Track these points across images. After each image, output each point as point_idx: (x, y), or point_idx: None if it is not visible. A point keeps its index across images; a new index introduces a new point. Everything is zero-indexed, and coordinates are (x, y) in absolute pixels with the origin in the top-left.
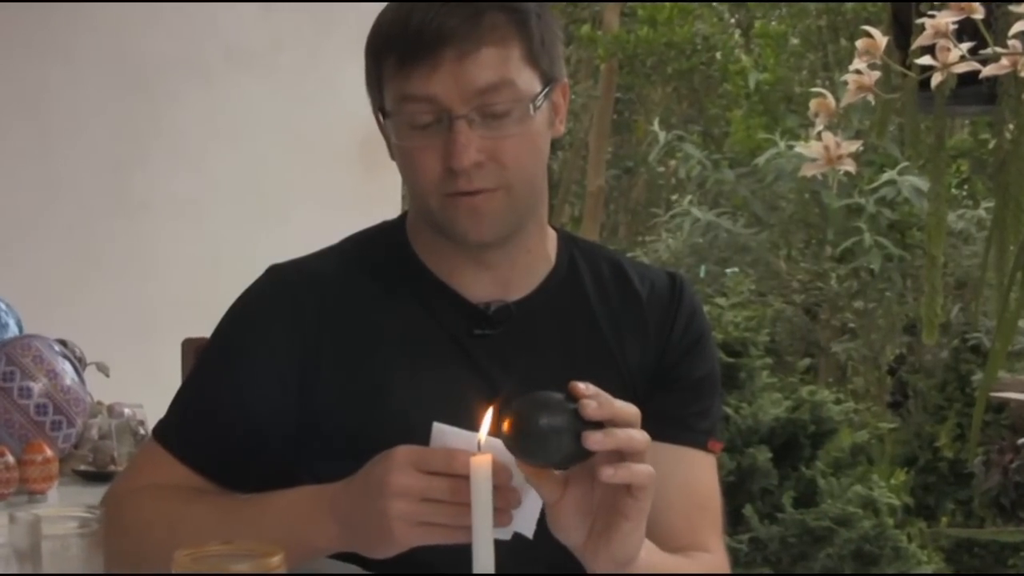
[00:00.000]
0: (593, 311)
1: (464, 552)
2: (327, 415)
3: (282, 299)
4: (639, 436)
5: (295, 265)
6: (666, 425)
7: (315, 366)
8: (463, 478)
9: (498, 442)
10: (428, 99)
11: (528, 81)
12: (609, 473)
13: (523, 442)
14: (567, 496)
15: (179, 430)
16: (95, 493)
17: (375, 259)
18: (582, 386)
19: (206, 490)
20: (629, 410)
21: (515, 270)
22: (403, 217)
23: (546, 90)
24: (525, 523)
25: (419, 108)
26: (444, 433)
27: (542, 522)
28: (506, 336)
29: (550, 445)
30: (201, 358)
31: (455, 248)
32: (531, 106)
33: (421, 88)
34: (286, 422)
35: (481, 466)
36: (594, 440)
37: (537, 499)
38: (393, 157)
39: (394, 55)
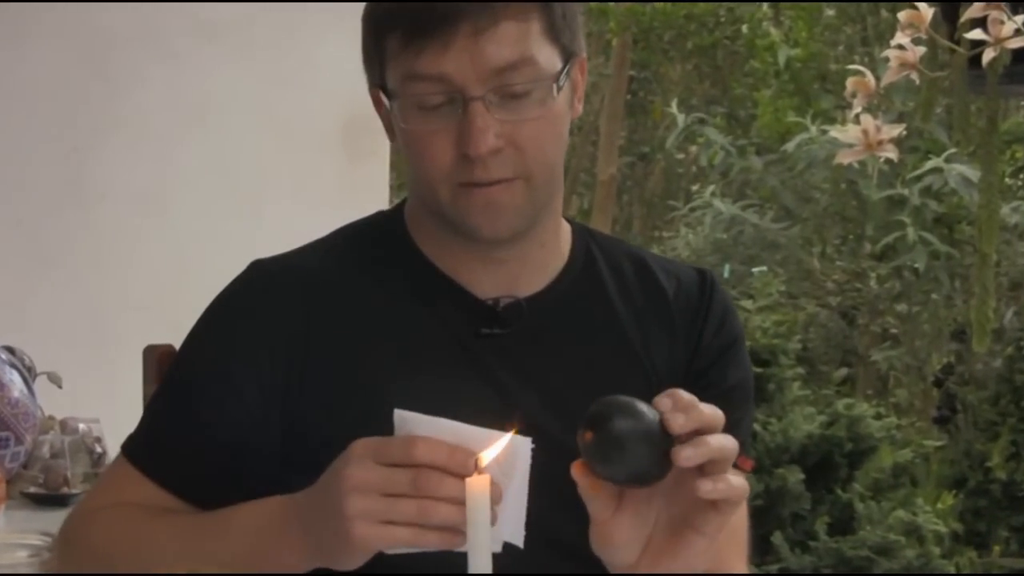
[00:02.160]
0: (614, 309)
1: (456, 564)
2: (315, 427)
3: (265, 298)
4: (730, 444)
5: (280, 261)
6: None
7: (301, 373)
8: (426, 467)
9: (481, 432)
10: (440, 78)
11: (549, 58)
12: (708, 488)
13: (602, 448)
14: (622, 511)
15: (149, 445)
16: (46, 518)
17: (369, 253)
18: (667, 400)
19: (174, 508)
20: (716, 415)
21: (526, 266)
22: (400, 207)
23: (567, 68)
24: (514, 531)
25: (429, 88)
26: (407, 421)
27: (530, 530)
28: (517, 336)
29: (634, 456)
30: (175, 364)
31: (462, 242)
32: (554, 86)
33: (432, 66)
34: (269, 436)
35: (478, 489)
36: (685, 456)
37: (523, 504)
38: (392, 139)
39: (400, 29)
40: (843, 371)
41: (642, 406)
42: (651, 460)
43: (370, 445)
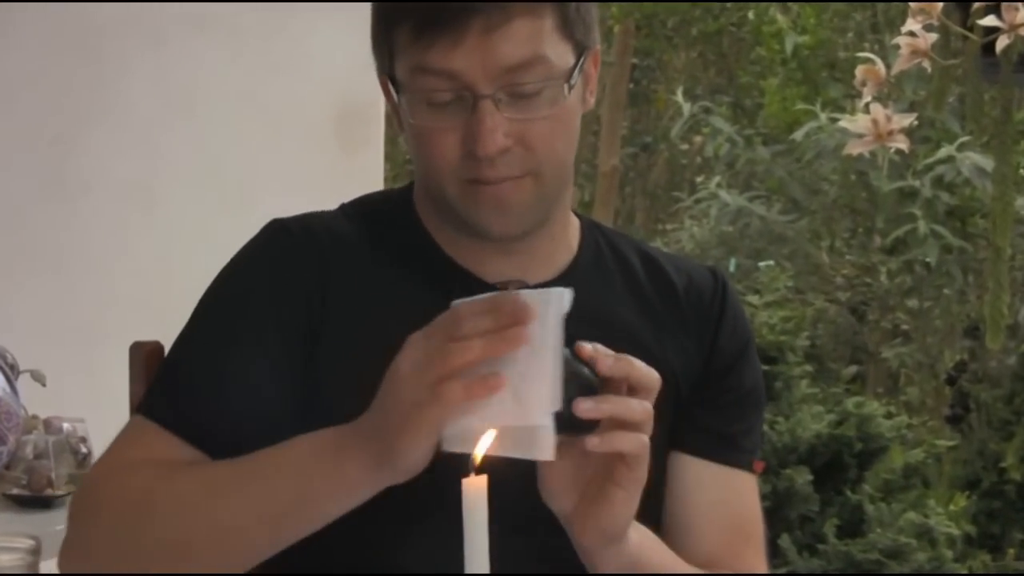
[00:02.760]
0: (624, 302)
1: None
2: (325, 392)
3: (287, 255)
4: (637, 407)
5: (300, 221)
6: (713, 442)
7: (316, 331)
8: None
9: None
10: (449, 74)
11: (561, 55)
12: (594, 443)
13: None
14: (560, 458)
15: (169, 400)
16: (30, 520)
17: (382, 229)
18: (589, 347)
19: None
20: (651, 377)
21: (535, 257)
22: (409, 187)
23: (580, 63)
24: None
25: (437, 83)
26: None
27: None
28: None
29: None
30: (193, 319)
31: (469, 234)
32: (566, 85)
33: (441, 62)
34: (286, 391)
35: (475, 490)
36: (584, 408)
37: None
38: (401, 128)
39: (411, 21)
40: (852, 369)
41: (581, 365)
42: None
43: (419, 333)
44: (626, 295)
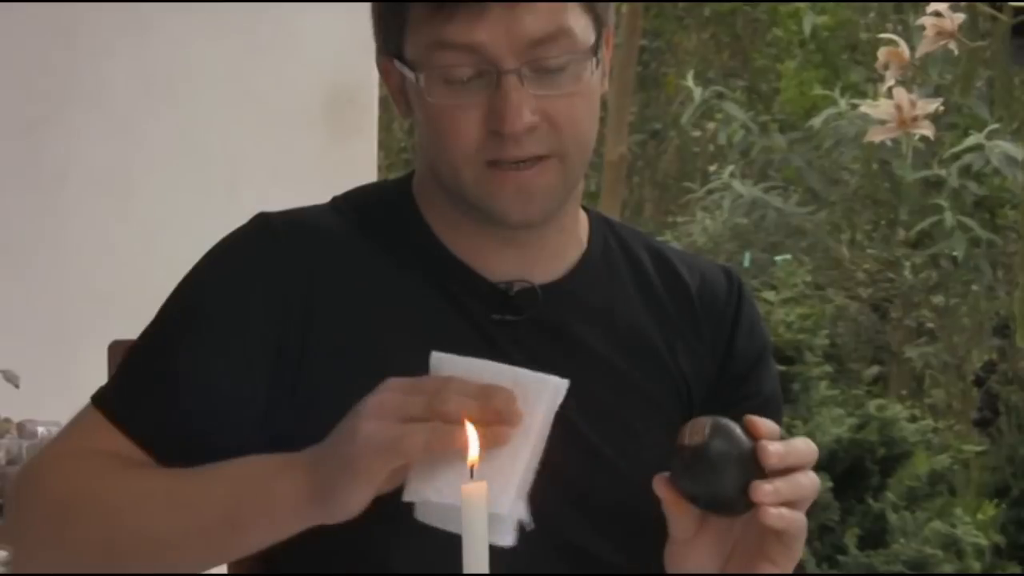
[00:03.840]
0: (633, 301)
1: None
2: (312, 406)
3: (270, 254)
4: (808, 484)
5: (289, 216)
6: None
7: (301, 344)
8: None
9: (511, 372)
10: (471, 48)
11: (584, 30)
12: (774, 516)
13: (695, 466)
14: (701, 535)
15: (123, 394)
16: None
17: (377, 223)
18: (761, 423)
19: (148, 463)
20: (808, 452)
21: (543, 252)
22: (407, 178)
23: (600, 40)
24: (517, 497)
25: (458, 59)
26: (443, 362)
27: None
28: (530, 324)
29: (724, 481)
30: (160, 313)
31: (477, 224)
32: (593, 59)
33: (463, 35)
34: (255, 409)
35: (474, 496)
36: (764, 493)
37: (532, 469)
38: (402, 113)
39: None
40: (874, 369)
41: (740, 432)
42: (737, 489)
43: (402, 380)
44: (637, 295)
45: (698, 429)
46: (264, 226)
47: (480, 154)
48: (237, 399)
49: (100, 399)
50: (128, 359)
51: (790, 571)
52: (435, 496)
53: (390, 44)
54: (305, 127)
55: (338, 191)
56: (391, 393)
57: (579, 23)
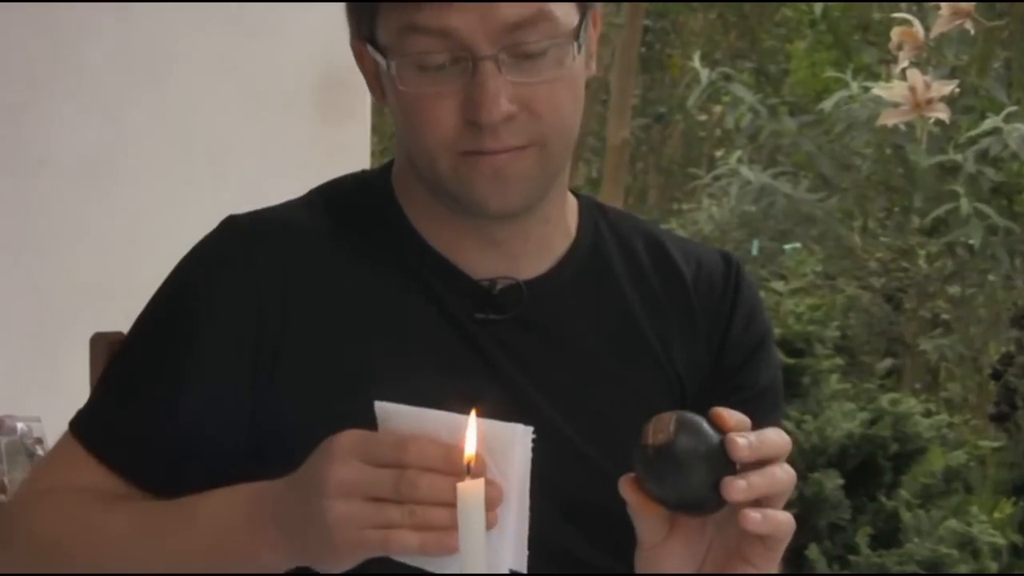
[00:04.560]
0: (625, 295)
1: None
2: (290, 415)
3: (241, 258)
4: (784, 476)
5: (257, 216)
6: None
7: (276, 351)
8: (415, 469)
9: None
10: (444, 34)
11: (567, 12)
12: (756, 521)
13: (660, 467)
14: (672, 538)
15: (101, 423)
16: None
17: (354, 217)
18: (728, 415)
19: (129, 496)
20: (783, 443)
21: (528, 244)
22: (386, 168)
23: (584, 22)
24: (516, 554)
25: (431, 44)
26: (391, 414)
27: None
28: (515, 324)
29: (693, 481)
30: (134, 331)
31: (458, 217)
32: (575, 44)
33: (435, 19)
34: (236, 421)
35: (471, 494)
36: (737, 490)
37: (525, 513)
38: (378, 99)
39: None
40: (888, 362)
41: (707, 427)
42: (707, 487)
43: (355, 442)
44: (630, 287)
45: (662, 426)
46: (232, 229)
47: (456, 144)
48: (221, 416)
49: (77, 426)
50: (103, 380)
51: (772, 572)
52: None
53: (362, 28)
54: (295, 111)
55: (330, 176)
56: (350, 468)
57: (560, 5)
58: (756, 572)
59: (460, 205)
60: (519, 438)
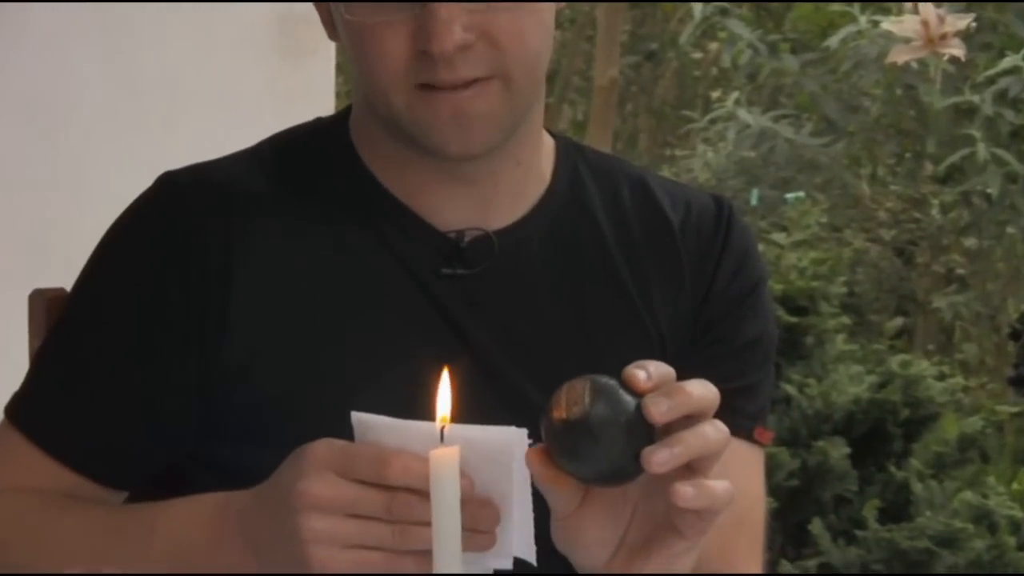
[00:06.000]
0: (606, 246)
1: None
2: (241, 386)
3: (179, 219)
4: (715, 435)
5: (196, 173)
6: None
7: (222, 317)
8: (402, 491)
9: (467, 431)
10: None
11: None
12: (687, 496)
13: (571, 440)
14: (588, 505)
15: (40, 409)
16: None
17: (306, 169)
18: (642, 375)
19: (80, 494)
20: (708, 397)
21: (499, 190)
22: (343, 114)
23: None
24: (523, 544)
25: None
26: (369, 426)
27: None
28: (485, 279)
29: (608, 452)
30: (66, 306)
31: (420, 160)
32: None
33: None
34: (186, 396)
35: (445, 463)
36: (659, 462)
37: (528, 510)
38: (333, 36)
39: None
40: (898, 321)
41: (622, 393)
42: (626, 457)
43: (332, 456)
44: (611, 237)
45: (575, 396)
46: (168, 187)
47: (410, 77)
48: (166, 388)
49: (15, 414)
50: (39, 360)
51: (699, 547)
52: None
53: None
54: (251, 49)
55: (290, 121)
56: (326, 483)
57: None
58: (688, 545)
59: (419, 146)
60: (516, 442)
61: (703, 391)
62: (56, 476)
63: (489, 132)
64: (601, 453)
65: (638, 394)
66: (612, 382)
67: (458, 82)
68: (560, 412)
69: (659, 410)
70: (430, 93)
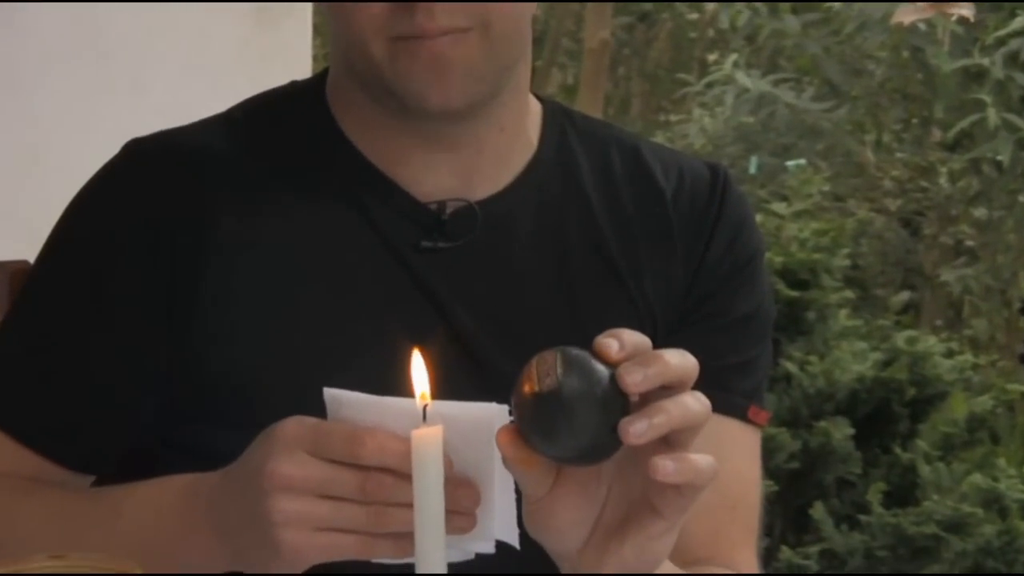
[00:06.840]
0: (594, 216)
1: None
2: (213, 362)
3: (146, 189)
4: (695, 406)
5: (164, 139)
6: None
7: (192, 290)
8: (376, 470)
9: (446, 407)
10: None
11: None
12: (669, 471)
13: (543, 419)
14: (561, 486)
15: (4, 392)
16: None
17: (280, 135)
18: (615, 344)
19: (45, 478)
20: (685, 367)
21: (482, 156)
22: (320, 78)
23: None
24: (506, 526)
25: None
26: (342, 403)
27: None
28: (468, 252)
29: (581, 430)
30: (29, 280)
31: (400, 122)
32: None
33: None
34: (153, 372)
35: (428, 443)
36: (636, 433)
37: (511, 491)
38: None
39: None
40: (904, 295)
41: (595, 363)
42: (602, 432)
43: (302, 433)
44: (600, 208)
45: (546, 369)
46: (134, 155)
47: (388, 27)
48: (134, 367)
49: None
50: (1, 343)
51: (678, 526)
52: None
53: None
54: (226, 8)
55: (264, 84)
56: (297, 462)
57: None
58: (666, 522)
59: (398, 102)
60: (496, 419)
61: (680, 360)
62: (19, 459)
63: (469, 84)
64: (576, 427)
65: (611, 365)
66: (584, 353)
67: (436, 31)
68: (531, 385)
69: (633, 379)
70: (408, 43)
